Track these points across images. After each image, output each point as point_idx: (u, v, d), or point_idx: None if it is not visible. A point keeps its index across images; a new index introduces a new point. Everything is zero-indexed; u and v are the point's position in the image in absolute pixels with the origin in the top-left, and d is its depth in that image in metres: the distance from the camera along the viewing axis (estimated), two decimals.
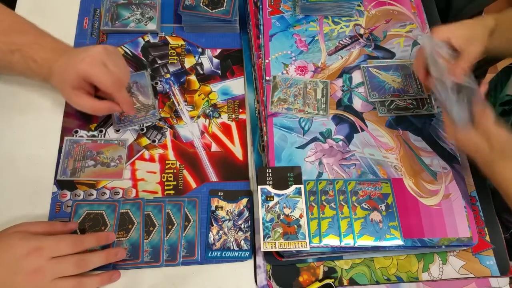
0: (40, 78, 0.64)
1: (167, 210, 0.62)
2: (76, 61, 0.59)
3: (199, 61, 0.75)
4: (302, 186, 0.61)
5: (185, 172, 0.66)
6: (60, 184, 0.63)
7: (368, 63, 0.74)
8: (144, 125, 0.69)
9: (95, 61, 0.59)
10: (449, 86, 0.57)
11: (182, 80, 0.73)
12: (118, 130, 0.68)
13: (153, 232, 0.60)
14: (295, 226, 0.58)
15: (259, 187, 0.60)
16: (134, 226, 0.61)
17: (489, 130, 0.55)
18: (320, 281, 0.59)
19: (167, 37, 0.77)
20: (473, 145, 0.56)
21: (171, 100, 0.71)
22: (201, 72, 0.74)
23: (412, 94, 0.70)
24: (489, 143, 0.55)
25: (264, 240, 0.57)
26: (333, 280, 0.59)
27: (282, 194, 0.60)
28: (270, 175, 0.61)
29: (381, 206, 0.61)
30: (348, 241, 0.58)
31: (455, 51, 0.60)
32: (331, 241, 0.58)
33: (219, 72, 0.74)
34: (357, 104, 0.70)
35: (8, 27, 0.63)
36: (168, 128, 0.69)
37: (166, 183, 0.65)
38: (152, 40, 0.76)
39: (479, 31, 0.62)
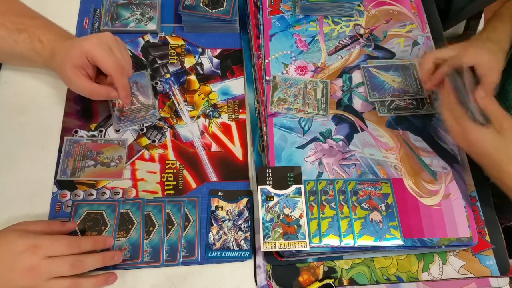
0: (41, 60, 0.64)
1: (167, 210, 0.62)
2: (82, 40, 0.61)
3: (199, 61, 0.75)
4: (302, 186, 0.61)
5: (185, 172, 0.66)
6: (60, 184, 0.63)
7: (368, 63, 0.74)
8: (144, 125, 0.69)
9: (102, 43, 0.61)
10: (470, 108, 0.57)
11: (182, 80, 0.73)
12: (118, 130, 0.68)
13: (153, 232, 0.60)
14: (295, 226, 0.58)
15: (259, 187, 0.60)
16: (134, 226, 0.61)
17: (496, 114, 0.54)
18: (320, 281, 0.59)
19: (167, 37, 0.77)
20: (485, 141, 0.55)
21: (171, 100, 0.71)
22: (201, 72, 0.74)
23: (412, 94, 0.70)
24: (499, 130, 0.54)
25: (264, 240, 0.57)
26: (333, 280, 0.59)
27: (282, 194, 0.60)
28: (270, 175, 0.61)
29: (381, 206, 0.61)
30: (348, 241, 0.58)
31: (475, 77, 0.61)
32: (331, 241, 0.58)
33: (219, 72, 0.74)
34: (357, 104, 0.70)
35: (20, 11, 0.66)
36: (168, 128, 0.69)
37: (166, 183, 0.65)
38: (152, 40, 0.76)
39: (500, 58, 0.63)
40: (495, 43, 0.64)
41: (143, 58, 0.74)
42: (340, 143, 0.66)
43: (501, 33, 0.67)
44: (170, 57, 0.75)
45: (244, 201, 0.64)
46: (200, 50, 0.76)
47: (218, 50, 0.76)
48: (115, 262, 0.57)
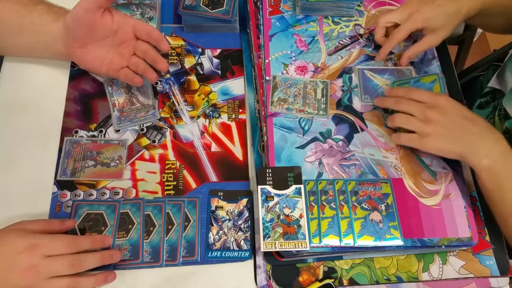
0: (59, 25, 0.63)
1: (167, 210, 0.62)
2: None
3: (199, 61, 0.75)
4: (302, 186, 0.61)
5: (185, 172, 0.66)
6: (60, 184, 0.63)
7: (369, 65, 0.73)
8: (144, 125, 0.69)
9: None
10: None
11: (182, 80, 0.73)
12: (118, 130, 0.68)
13: (153, 232, 0.60)
14: (295, 226, 0.58)
15: (259, 187, 0.60)
16: (134, 226, 0.61)
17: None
18: (320, 281, 0.59)
19: (167, 37, 0.77)
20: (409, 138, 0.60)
21: (171, 100, 0.71)
22: (201, 72, 0.74)
23: None
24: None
25: (264, 240, 0.57)
26: (333, 280, 0.59)
27: (282, 194, 0.60)
28: (270, 175, 0.61)
29: (381, 206, 0.61)
30: (348, 241, 0.58)
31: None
32: (331, 241, 0.58)
33: (219, 72, 0.74)
34: (357, 104, 0.70)
35: None
36: (168, 128, 0.69)
37: (166, 183, 0.65)
38: None
39: (453, 20, 0.66)
40: (454, 4, 0.66)
41: None
42: (340, 143, 0.66)
43: None
44: (170, 57, 0.75)
45: (244, 201, 0.64)
46: (200, 50, 0.76)
47: (218, 50, 0.76)
48: (113, 261, 0.57)
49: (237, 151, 0.68)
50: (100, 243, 0.57)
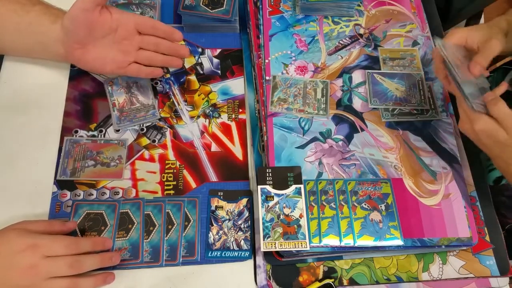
0: (56, 27, 0.63)
1: (167, 210, 0.62)
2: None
3: (199, 61, 0.75)
4: (302, 186, 0.61)
5: (185, 172, 0.66)
6: (60, 184, 0.63)
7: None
8: (144, 125, 0.69)
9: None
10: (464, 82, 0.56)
11: (182, 80, 0.73)
12: (118, 130, 0.68)
13: (153, 232, 0.60)
14: (295, 226, 0.58)
15: (259, 187, 0.60)
16: (134, 226, 0.61)
17: (503, 114, 0.53)
18: (320, 281, 0.59)
19: None
20: (490, 134, 0.54)
21: (171, 100, 0.71)
22: (201, 72, 0.74)
23: (414, 104, 0.69)
24: (507, 130, 0.53)
25: (264, 240, 0.57)
26: (333, 280, 0.59)
27: (282, 194, 0.60)
28: (270, 175, 0.61)
29: (381, 206, 0.61)
30: (348, 241, 0.58)
31: (469, 52, 0.60)
32: (331, 241, 0.58)
33: (219, 72, 0.74)
34: (357, 104, 0.70)
35: None
36: (168, 128, 0.69)
37: (166, 183, 0.65)
38: None
39: (495, 32, 0.61)
40: (489, 23, 0.63)
41: None
42: (340, 143, 0.66)
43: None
44: None
45: (244, 201, 0.64)
46: (200, 50, 0.76)
47: (218, 50, 0.76)
48: (113, 263, 0.57)
49: (237, 151, 0.68)
50: (100, 245, 0.57)
